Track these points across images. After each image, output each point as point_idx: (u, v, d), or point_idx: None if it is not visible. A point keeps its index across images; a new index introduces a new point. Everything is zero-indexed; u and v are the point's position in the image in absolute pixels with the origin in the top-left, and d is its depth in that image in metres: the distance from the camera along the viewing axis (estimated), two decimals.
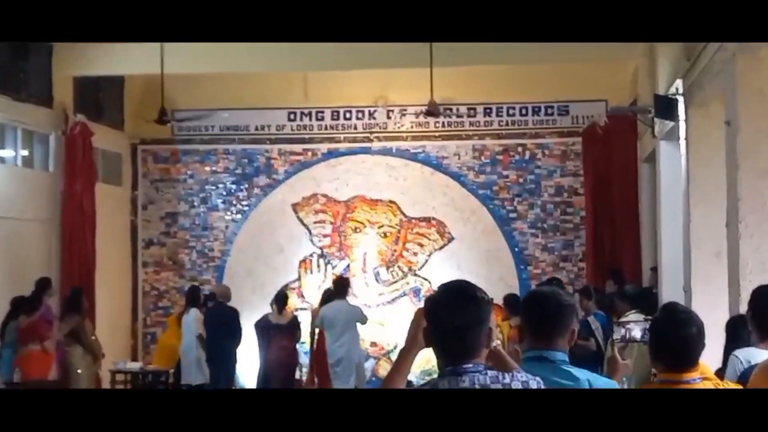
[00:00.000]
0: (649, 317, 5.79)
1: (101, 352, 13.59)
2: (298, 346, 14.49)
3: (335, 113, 17.42)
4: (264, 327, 14.12)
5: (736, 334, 6.14)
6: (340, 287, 13.88)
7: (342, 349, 13.16)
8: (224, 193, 17.52)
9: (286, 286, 16.85)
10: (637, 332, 5.44)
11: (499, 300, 15.73)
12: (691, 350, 4.45)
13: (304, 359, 15.01)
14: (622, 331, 4.39)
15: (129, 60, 14.33)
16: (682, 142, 10.31)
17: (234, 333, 14.06)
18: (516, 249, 17.05)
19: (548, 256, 17.01)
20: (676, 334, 4.47)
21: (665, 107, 10.62)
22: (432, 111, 13.89)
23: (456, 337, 3.42)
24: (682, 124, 10.32)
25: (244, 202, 17.50)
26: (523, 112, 17.16)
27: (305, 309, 16.25)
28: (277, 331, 14.06)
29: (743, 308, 7.47)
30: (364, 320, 13.75)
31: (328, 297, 14.44)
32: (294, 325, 14.35)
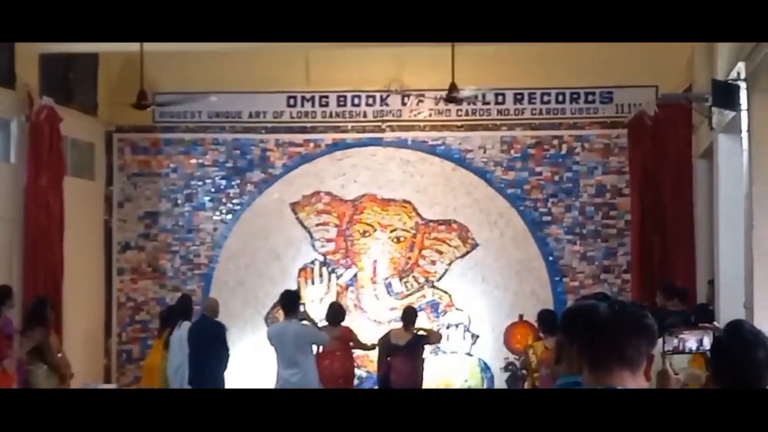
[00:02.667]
0: (707, 325, 5.81)
1: (69, 371, 13.57)
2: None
3: (341, 98, 17.44)
4: (384, 345, 14.35)
5: None
6: (288, 303, 13.57)
7: (296, 376, 12.98)
8: (212, 189, 17.55)
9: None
10: (692, 342, 5.44)
11: (530, 317, 15.93)
12: (756, 376, 4.45)
13: None
14: (675, 341, 4.36)
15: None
16: (745, 135, 10.29)
17: (220, 352, 14.05)
18: (550, 258, 17.04)
19: (587, 266, 17.01)
20: (741, 356, 4.48)
21: (725, 95, 10.60)
22: (453, 97, 13.88)
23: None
24: (744, 115, 10.30)
25: (234, 201, 17.52)
26: (560, 99, 17.17)
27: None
28: (395, 352, 14.23)
29: None
30: (320, 341, 13.59)
31: (332, 312, 14.48)
32: (415, 345, 14.46)
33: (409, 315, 14.74)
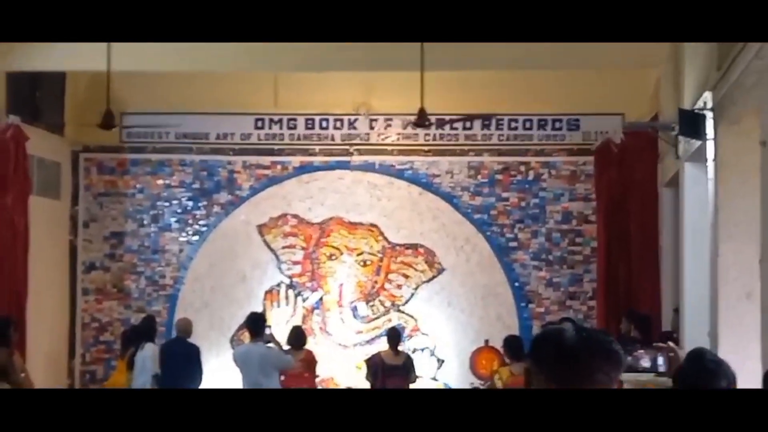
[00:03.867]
0: (661, 345, 5.85)
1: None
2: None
3: (309, 121, 17.44)
4: (376, 366, 14.37)
5: None
6: (254, 325, 13.50)
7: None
8: (179, 210, 17.50)
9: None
10: (646, 361, 5.48)
11: (495, 342, 15.94)
12: None
13: None
14: (629, 359, 4.37)
15: (72, 54, 14.23)
16: (711, 164, 10.32)
17: (194, 373, 14.03)
18: (516, 284, 17.07)
19: (553, 292, 17.04)
20: (703, 385, 4.49)
21: (691, 124, 10.64)
22: (421, 121, 13.85)
23: None
24: (710, 144, 10.34)
25: (201, 222, 17.47)
26: (527, 125, 17.22)
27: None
28: (391, 373, 14.24)
29: None
30: (285, 365, 13.52)
31: (295, 335, 14.50)
32: (409, 366, 14.56)
33: (395, 336, 14.79)
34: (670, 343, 6.14)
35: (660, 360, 5.40)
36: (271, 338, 13.91)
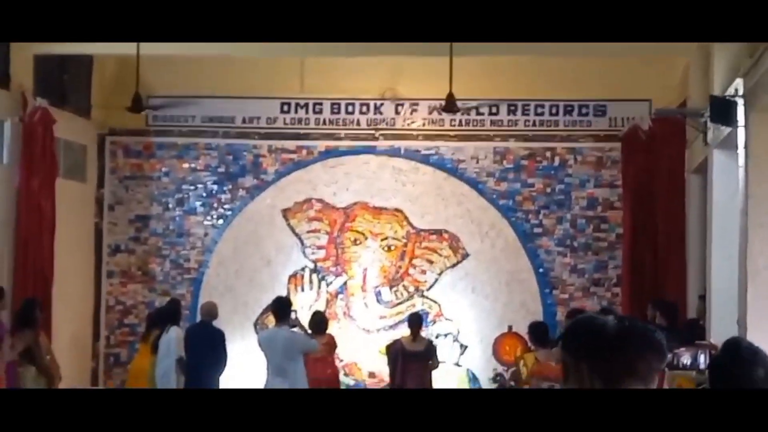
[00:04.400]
0: (703, 342, 5.81)
1: (58, 373, 13.50)
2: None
3: (335, 106, 17.39)
4: (396, 353, 14.38)
5: None
6: (280, 309, 13.47)
7: (284, 384, 12.88)
8: (204, 194, 17.49)
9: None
10: (686, 358, 5.43)
11: (519, 328, 15.91)
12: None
13: None
14: (669, 356, 4.34)
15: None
16: (741, 152, 10.26)
17: (219, 358, 14.06)
18: (540, 270, 17.01)
19: (578, 279, 16.98)
20: (739, 374, 4.45)
21: (722, 110, 10.58)
22: (450, 107, 13.82)
23: None
24: (741, 131, 10.28)
25: (226, 206, 17.46)
26: (554, 111, 17.14)
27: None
28: (412, 359, 14.25)
29: None
30: (310, 349, 13.49)
31: (316, 321, 14.48)
32: (430, 352, 14.57)
33: (417, 321, 14.78)
34: (712, 341, 6.07)
35: (701, 358, 5.34)
36: (297, 322, 13.91)
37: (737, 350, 4.66)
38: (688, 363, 5.35)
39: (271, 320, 16.33)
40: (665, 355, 3.68)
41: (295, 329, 13.65)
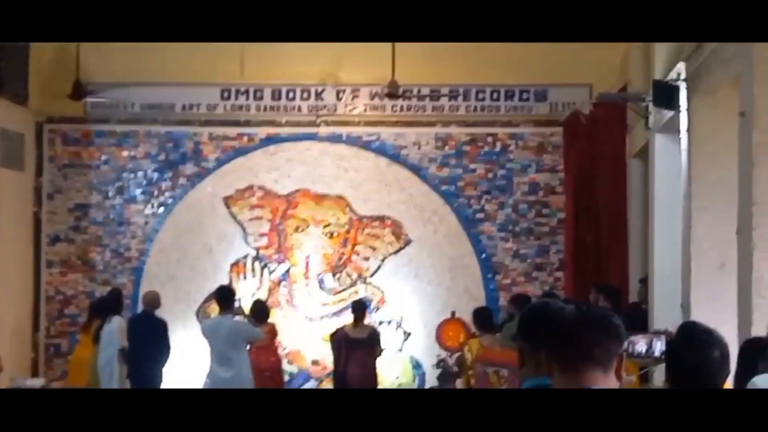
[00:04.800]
0: (659, 331, 5.82)
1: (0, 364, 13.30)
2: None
3: (276, 92, 17.27)
4: (340, 340, 14.31)
5: (753, 360, 6.09)
6: (223, 298, 13.40)
7: (227, 372, 12.82)
8: (144, 182, 17.31)
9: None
10: (641, 346, 5.43)
11: (462, 314, 15.92)
12: (713, 376, 4.46)
13: None
14: (625, 345, 4.32)
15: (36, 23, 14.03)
16: (684, 135, 10.30)
17: (162, 347, 13.95)
18: (483, 255, 17.01)
19: (520, 264, 17.00)
20: (695, 357, 4.47)
21: (665, 94, 10.61)
22: (393, 92, 13.78)
23: None
24: (684, 115, 10.30)
25: (167, 194, 17.29)
26: (495, 96, 17.13)
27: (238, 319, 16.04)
28: (356, 346, 14.19)
29: (756, 329, 7.48)
30: (254, 337, 13.42)
31: (257, 309, 14.41)
32: (374, 338, 14.52)
33: (361, 308, 14.73)
34: (668, 328, 6.06)
35: (657, 345, 5.33)
36: (240, 311, 13.82)
37: (693, 333, 4.68)
38: (643, 351, 5.34)
39: (213, 309, 16.24)
40: (623, 340, 3.65)
41: (238, 318, 13.54)
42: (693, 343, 4.59)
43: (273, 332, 14.68)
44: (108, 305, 14.58)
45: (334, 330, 14.88)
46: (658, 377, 8.63)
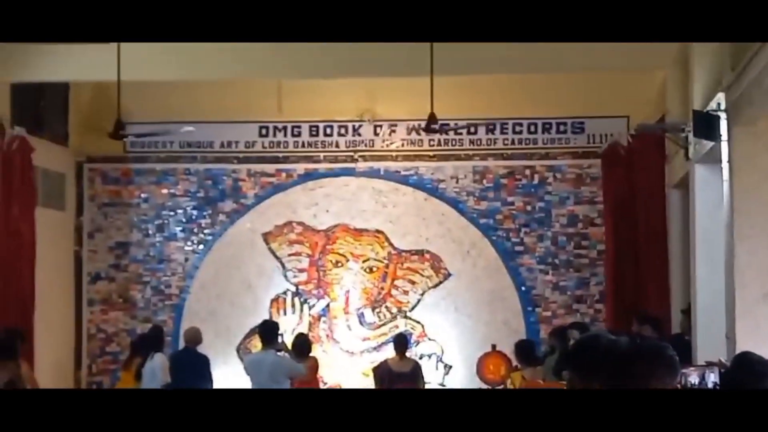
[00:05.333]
0: (712, 362, 5.79)
1: None
2: None
3: (314, 128, 17.32)
4: (384, 374, 14.27)
5: None
6: (267, 333, 13.40)
7: None
8: (184, 219, 17.38)
9: (255, 329, 16.75)
10: (694, 377, 5.40)
11: (502, 347, 15.85)
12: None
13: None
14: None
15: (76, 64, 14.16)
16: (725, 166, 10.21)
17: (204, 383, 13.94)
18: (523, 288, 16.95)
19: (560, 296, 16.93)
20: (753, 386, 4.46)
21: (705, 125, 10.54)
22: (432, 126, 13.74)
23: None
24: (724, 145, 10.23)
25: (206, 231, 17.35)
26: (532, 129, 17.12)
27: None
28: (399, 380, 14.14)
29: None
30: (296, 373, 13.38)
31: (300, 344, 14.37)
32: (417, 372, 14.47)
33: (403, 342, 14.70)
34: (721, 359, 6.03)
35: (710, 377, 5.29)
36: (283, 346, 13.80)
37: (750, 363, 4.69)
38: (696, 383, 5.29)
39: (254, 344, 16.30)
40: (678, 371, 3.64)
41: (281, 353, 13.53)
42: (750, 372, 4.59)
43: (315, 367, 14.63)
44: (149, 342, 14.60)
45: (377, 364, 14.83)
46: None
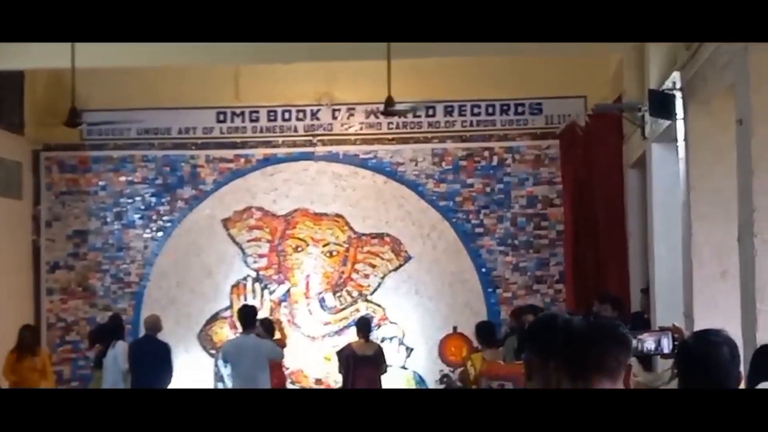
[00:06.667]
0: (666, 327, 5.87)
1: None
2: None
3: (272, 113, 17.30)
4: (348, 358, 14.26)
5: (765, 367, 6.08)
6: (246, 317, 13.53)
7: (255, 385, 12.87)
8: (142, 207, 17.33)
9: (216, 315, 16.81)
10: (650, 343, 5.48)
11: (463, 328, 15.91)
12: (722, 372, 4.54)
13: None
14: (634, 343, 4.38)
15: (31, 53, 14.02)
16: (681, 144, 10.29)
17: (165, 370, 13.93)
18: (483, 270, 17.01)
19: (520, 277, 17.00)
20: (705, 352, 4.57)
21: (661, 104, 10.60)
22: (391, 109, 13.75)
23: None
24: (680, 124, 10.31)
25: (165, 218, 17.31)
26: (490, 110, 17.16)
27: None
28: (363, 363, 14.16)
29: (761, 336, 7.48)
30: (277, 356, 13.46)
31: (265, 327, 14.41)
32: (380, 355, 14.48)
33: (366, 325, 14.71)
34: (675, 323, 6.10)
35: (664, 341, 5.37)
36: (260, 331, 13.81)
37: (704, 332, 4.79)
38: (653, 348, 5.38)
39: (215, 331, 16.34)
40: (631, 349, 3.69)
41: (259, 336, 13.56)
42: (703, 339, 4.69)
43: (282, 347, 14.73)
44: (110, 331, 14.58)
45: (340, 348, 14.86)
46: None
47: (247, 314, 13.52)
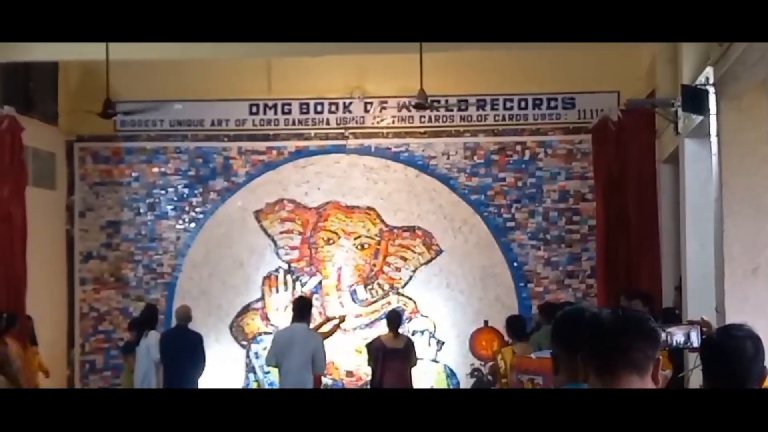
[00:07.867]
0: (694, 320, 5.91)
1: (33, 382, 13.42)
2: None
3: (304, 106, 17.35)
4: (377, 350, 14.33)
5: None
6: (302, 308, 13.41)
7: (301, 383, 12.75)
8: (175, 198, 17.42)
9: (247, 307, 16.89)
10: (679, 336, 5.52)
11: (494, 322, 15.93)
12: (744, 365, 4.57)
13: None
14: (663, 335, 4.40)
15: (66, 44, 14.10)
16: (714, 140, 10.28)
17: (197, 361, 14.01)
18: (514, 264, 17.03)
19: (552, 271, 17.01)
20: (728, 346, 4.60)
21: (694, 99, 10.60)
22: (422, 103, 13.78)
23: None
24: (713, 119, 10.30)
25: (197, 209, 17.40)
26: (522, 104, 17.17)
27: (270, 333, 16.10)
28: (393, 356, 14.21)
29: None
30: (320, 370, 13.29)
31: (301, 305, 14.34)
32: (410, 348, 14.53)
33: (396, 318, 14.75)
34: (704, 317, 6.13)
35: (693, 335, 5.43)
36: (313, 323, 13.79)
37: (728, 327, 4.84)
38: (682, 341, 5.42)
39: (246, 323, 16.45)
40: (659, 343, 3.71)
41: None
42: (726, 334, 4.74)
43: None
44: (144, 322, 14.70)
45: (370, 341, 14.91)
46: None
47: (303, 306, 13.44)
